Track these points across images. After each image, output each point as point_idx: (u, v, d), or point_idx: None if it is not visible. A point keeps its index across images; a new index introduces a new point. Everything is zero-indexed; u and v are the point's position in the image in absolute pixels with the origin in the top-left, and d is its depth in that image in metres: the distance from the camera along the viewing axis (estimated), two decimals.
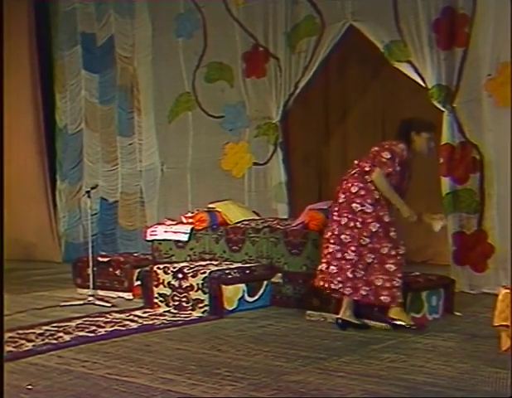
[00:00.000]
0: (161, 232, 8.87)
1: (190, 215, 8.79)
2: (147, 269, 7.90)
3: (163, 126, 11.34)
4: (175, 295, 7.48)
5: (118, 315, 7.20)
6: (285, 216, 9.26)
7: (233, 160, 10.38)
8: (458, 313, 6.86)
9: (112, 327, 6.64)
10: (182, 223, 8.79)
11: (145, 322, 6.88)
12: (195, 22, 10.91)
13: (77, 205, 12.68)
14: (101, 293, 8.32)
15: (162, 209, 11.16)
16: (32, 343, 5.95)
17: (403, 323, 6.13)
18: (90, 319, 6.97)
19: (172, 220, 9.05)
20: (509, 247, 7.64)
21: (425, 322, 6.49)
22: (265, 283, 7.64)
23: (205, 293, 7.27)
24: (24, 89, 12.98)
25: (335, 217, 6.31)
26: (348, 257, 6.19)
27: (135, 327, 6.69)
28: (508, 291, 4.97)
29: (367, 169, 6.21)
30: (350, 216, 6.18)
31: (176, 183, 11.14)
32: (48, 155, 13.15)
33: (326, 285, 6.35)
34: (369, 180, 6.18)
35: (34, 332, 6.34)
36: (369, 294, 6.19)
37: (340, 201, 6.27)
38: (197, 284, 7.33)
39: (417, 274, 7.01)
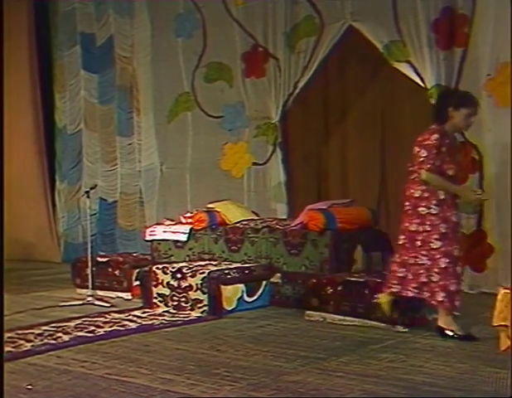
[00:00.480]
0: (160, 232, 8.88)
1: (189, 215, 8.80)
2: (146, 269, 7.90)
3: (162, 126, 11.34)
4: (174, 295, 7.48)
5: (117, 315, 7.20)
6: (284, 216, 9.27)
7: (232, 160, 10.38)
8: (457, 313, 6.84)
9: (111, 327, 6.65)
10: (181, 223, 8.79)
11: (144, 323, 6.88)
12: (194, 22, 10.90)
13: (76, 205, 12.68)
14: (100, 293, 8.32)
15: (162, 209, 11.16)
16: (31, 343, 5.95)
17: (451, 334, 5.99)
18: (89, 319, 6.98)
19: (171, 221, 9.06)
20: (510, 247, 7.61)
21: (424, 322, 6.49)
22: (264, 283, 7.64)
23: (204, 293, 7.28)
24: (23, 89, 12.98)
25: (404, 225, 6.12)
26: (420, 262, 6.00)
27: (134, 327, 6.70)
28: (507, 291, 4.97)
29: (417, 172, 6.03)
30: (418, 221, 6.00)
31: (175, 183, 11.14)
32: (47, 155, 13.15)
33: (404, 293, 6.15)
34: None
35: (33, 333, 6.34)
36: (444, 300, 5.98)
37: (406, 208, 6.10)
38: (196, 284, 7.33)
39: None
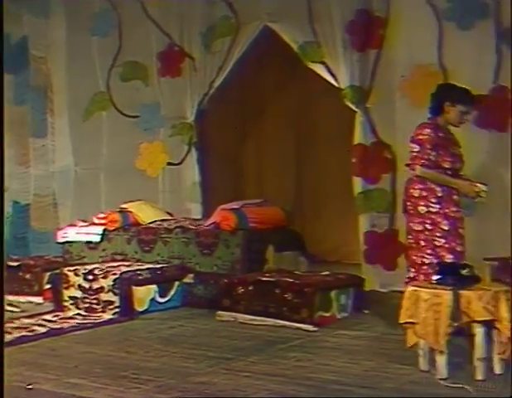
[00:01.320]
0: (72, 234, 8.75)
1: (102, 216, 8.70)
2: (58, 271, 7.75)
3: (77, 126, 11.14)
4: (85, 297, 7.37)
5: (26, 320, 7.05)
6: (199, 216, 9.21)
7: (147, 160, 10.25)
8: (367, 311, 6.91)
9: (20, 332, 6.49)
10: (94, 224, 8.67)
11: (54, 327, 6.76)
12: (110, 21, 10.73)
13: None
14: (10, 298, 8.09)
15: (76, 210, 10.95)
16: None
17: None
18: None
19: (85, 222, 8.92)
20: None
21: (333, 321, 6.52)
22: (177, 283, 7.59)
23: (115, 294, 7.19)
24: None
25: (409, 225, 6.02)
26: (427, 261, 5.90)
27: (43, 331, 6.56)
28: (414, 289, 5.02)
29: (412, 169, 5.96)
30: (419, 220, 5.91)
31: (89, 184, 10.94)
32: None
33: None
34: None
35: None
36: None
37: (408, 208, 6.02)
38: (108, 286, 7.23)
39: (327, 273, 7.04)
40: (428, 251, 5.89)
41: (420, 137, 5.89)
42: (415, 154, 5.87)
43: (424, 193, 5.88)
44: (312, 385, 4.67)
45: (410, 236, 6.01)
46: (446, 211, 5.87)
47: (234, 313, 6.77)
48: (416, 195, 5.91)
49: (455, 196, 5.93)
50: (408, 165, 6.00)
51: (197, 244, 7.68)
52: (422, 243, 5.90)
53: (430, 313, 4.81)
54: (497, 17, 7.64)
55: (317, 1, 8.74)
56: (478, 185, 5.87)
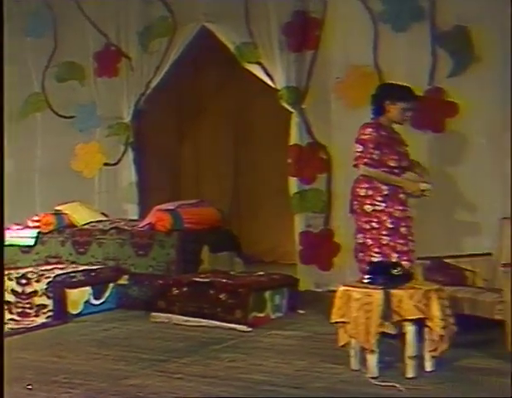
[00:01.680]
0: (7, 238, 8.57)
1: (36, 218, 8.56)
2: None
3: (12, 128, 10.95)
4: (18, 302, 7.24)
5: None
6: (135, 217, 9.14)
7: (83, 161, 10.12)
8: (301, 311, 6.93)
9: None
10: (29, 227, 8.53)
11: None
12: (45, 22, 10.59)
13: None
14: None
15: (11, 214, 10.76)
16: None
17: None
18: None
19: (19, 225, 8.77)
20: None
21: (268, 321, 6.52)
22: (111, 285, 7.51)
23: (49, 298, 7.08)
24: None
25: (357, 225, 6.03)
26: (374, 260, 5.85)
27: None
28: (345, 288, 5.04)
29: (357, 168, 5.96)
30: (366, 219, 5.93)
31: (24, 186, 10.77)
32: None
33: None
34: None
35: None
36: None
37: (355, 207, 6.02)
38: (41, 289, 7.13)
39: (261, 273, 7.05)
40: (376, 250, 5.92)
41: (363, 137, 5.93)
42: (359, 154, 5.90)
43: (370, 192, 5.91)
44: (243, 386, 4.67)
45: (359, 236, 6.02)
46: (391, 209, 5.90)
47: (168, 315, 6.74)
48: (362, 194, 5.94)
49: (401, 195, 5.96)
50: (354, 165, 6.03)
51: (132, 245, 7.61)
52: (370, 242, 5.93)
53: (361, 312, 4.83)
54: (432, 20, 7.72)
55: (254, 2, 8.75)
56: (422, 184, 5.93)
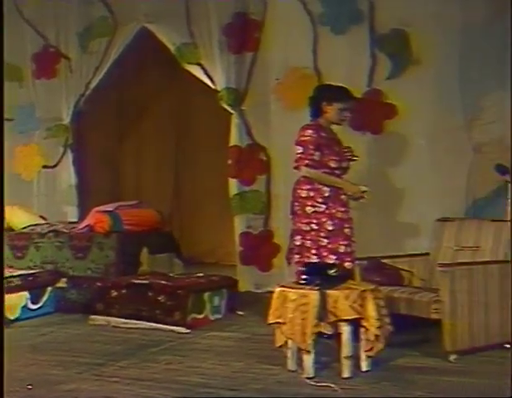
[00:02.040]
0: None
1: None
2: None
3: None
4: None
5: None
6: (75, 220, 9.06)
7: (22, 163, 10.00)
8: (241, 313, 6.94)
9: None
10: None
11: None
12: None
13: None
14: None
15: None
16: None
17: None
18: None
19: None
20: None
21: (207, 323, 6.52)
22: (49, 289, 7.42)
23: None
24: None
25: (297, 225, 5.98)
26: (310, 261, 5.84)
27: None
28: (282, 289, 5.06)
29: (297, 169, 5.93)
30: (306, 221, 5.89)
31: None
32: None
33: None
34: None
35: None
36: None
37: (296, 209, 5.98)
38: None
39: (200, 274, 7.04)
40: (313, 251, 5.90)
41: (302, 138, 5.91)
42: (299, 155, 5.88)
43: (311, 193, 5.89)
44: (180, 389, 4.66)
45: (297, 237, 5.99)
46: (333, 211, 5.90)
47: (107, 317, 6.69)
48: (303, 195, 5.92)
49: (342, 196, 5.97)
50: (294, 167, 6.02)
51: (70, 247, 7.53)
52: (308, 243, 5.91)
53: (297, 313, 4.86)
54: (371, 23, 7.80)
55: (195, 3, 8.74)
56: (361, 186, 5.96)
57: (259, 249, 8.28)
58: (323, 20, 8.05)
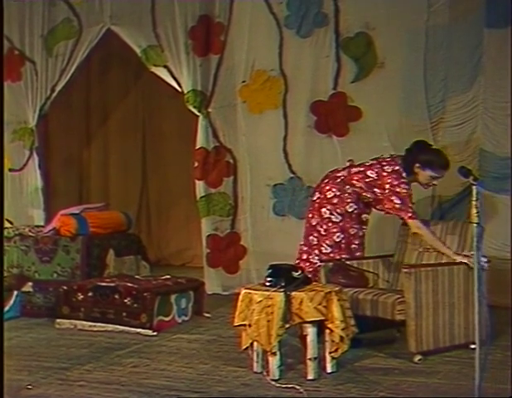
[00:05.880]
0: None
1: None
2: None
3: None
4: None
5: None
6: (41, 223, 9.00)
7: None
8: (207, 315, 6.95)
9: None
10: None
11: None
12: None
13: None
14: None
15: None
16: None
17: None
18: None
19: None
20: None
21: (173, 325, 6.53)
22: (15, 293, 7.35)
23: None
24: None
25: (308, 215, 6.05)
26: (313, 260, 5.97)
27: None
28: (247, 291, 5.08)
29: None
30: (318, 220, 5.97)
31: None
32: None
33: None
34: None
35: None
36: None
37: (314, 198, 6.04)
38: None
39: (167, 277, 7.04)
40: (316, 252, 6.02)
41: (403, 191, 5.88)
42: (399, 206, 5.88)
43: (335, 200, 5.96)
44: (144, 392, 4.65)
45: (306, 225, 6.11)
46: (347, 226, 5.98)
47: (73, 321, 6.66)
48: (328, 196, 5.99)
49: (362, 216, 6.10)
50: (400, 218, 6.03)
51: (36, 251, 7.47)
52: (315, 241, 6.02)
53: (262, 315, 4.87)
54: (336, 26, 7.85)
55: (160, 5, 8.74)
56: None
57: (226, 252, 8.32)
58: (288, 23, 8.10)
